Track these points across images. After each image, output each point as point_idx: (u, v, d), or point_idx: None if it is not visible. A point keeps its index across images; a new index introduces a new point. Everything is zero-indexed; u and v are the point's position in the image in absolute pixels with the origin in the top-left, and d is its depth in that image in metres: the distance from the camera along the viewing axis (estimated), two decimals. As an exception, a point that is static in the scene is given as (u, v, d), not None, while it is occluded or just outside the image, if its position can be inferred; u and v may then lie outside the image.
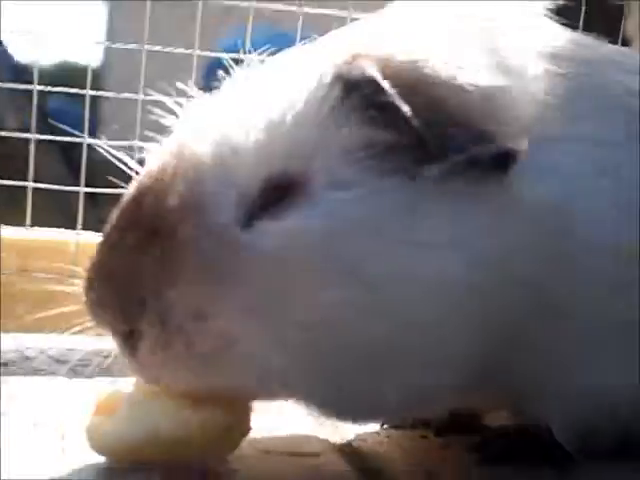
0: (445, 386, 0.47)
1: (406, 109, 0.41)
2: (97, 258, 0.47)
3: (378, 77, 0.42)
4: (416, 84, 0.43)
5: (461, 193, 0.44)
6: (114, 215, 0.48)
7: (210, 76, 0.54)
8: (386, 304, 0.43)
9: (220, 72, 0.51)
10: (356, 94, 0.44)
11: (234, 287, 0.43)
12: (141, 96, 0.77)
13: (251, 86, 0.49)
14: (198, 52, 0.83)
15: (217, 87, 0.52)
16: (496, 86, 0.45)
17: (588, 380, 0.51)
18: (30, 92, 0.77)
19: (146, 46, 0.78)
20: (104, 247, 0.47)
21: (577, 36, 0.57)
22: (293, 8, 0.80)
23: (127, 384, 0.51)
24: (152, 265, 0.43)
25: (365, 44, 0.46)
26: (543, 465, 0.52)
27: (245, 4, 0.84)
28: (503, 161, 0.43)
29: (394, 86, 0.42)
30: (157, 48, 0.79)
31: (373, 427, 0.60)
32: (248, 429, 0.50)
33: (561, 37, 0.55)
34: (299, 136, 0.44)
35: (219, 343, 0.43)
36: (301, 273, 0.43)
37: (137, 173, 0.49)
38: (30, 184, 0.80)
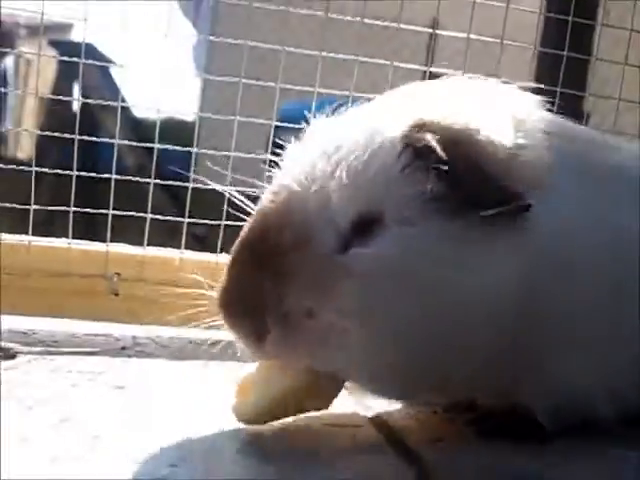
0: (466, 375, 0.61)
1: (458, 175, 0.55)
2: (229, 277, 0.60)
3: (439, 150, 0.56)
4: (465, 154, 0.57)
5: (491, 232, 0.58)
6: (239, 244, 0.62)
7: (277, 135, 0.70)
8: (444, 312, 0.57)
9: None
10: (420, 159, 0.57)
11: (333, 295, 0.57)
12: (232, 153, 0.93)
13: (333, 140, 0.62)
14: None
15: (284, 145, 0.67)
16: (522, 160, 0.60)
17: (561, 374, 0.65)
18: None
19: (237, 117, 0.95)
20: (235, 267, 0.61)
21: (561, 120, 0.73)
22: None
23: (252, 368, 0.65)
24: (272, 282, 0.57)
25: (423, 114, 0.60)
26: (526, 439, 0.64)
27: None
28: (523, 209, 0.58)
29: (449, 154, 0.55)
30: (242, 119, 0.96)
31: (396, 405, 0.74)
32: (337, 392, 0.64)
33: (551, 118, 0.70)
34: (377, 185, 0.57)
35: (322, 335, 0.57)
36: (381, 287, 0.57)
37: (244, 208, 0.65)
38: (149, 215, 0.96)
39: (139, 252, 0.95)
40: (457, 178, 0.56)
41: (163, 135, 0.99)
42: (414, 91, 0.68)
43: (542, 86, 0.97)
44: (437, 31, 1.07)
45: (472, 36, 0.99)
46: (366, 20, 0.96)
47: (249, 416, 0.62)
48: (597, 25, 1.21)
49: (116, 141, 0.98)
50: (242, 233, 0.62)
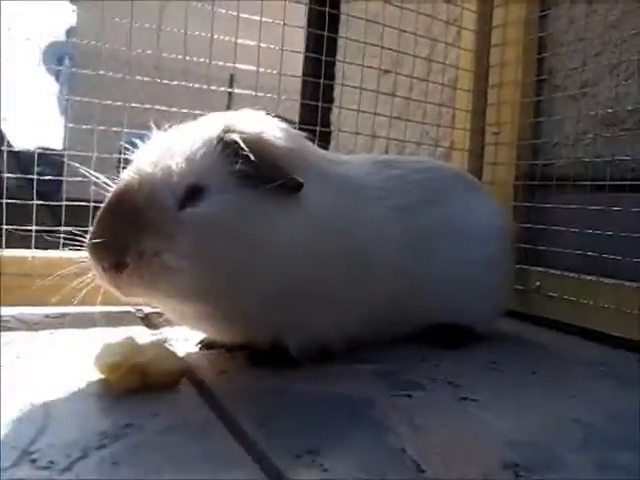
0: (255, 309, 0.82)
1: (252, 157, 0.78)
2: (98, 223, 0.76)
3: (240, 140, 0.79)
4: (258, 144, 0.80)
5: (279, 200, 0.80)
6: (106, 205, 0.77)
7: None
8: (247, 256, 0.78)
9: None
10: (229, 147, 0.79)
11: (173, 241, 0.74)
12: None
13: (173, 138, 0.84)
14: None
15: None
16: (291, 148, 0.85)
17: (312, 322, 0.88)
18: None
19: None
20: (102, 220, 0.76)
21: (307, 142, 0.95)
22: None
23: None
24: (132, 229, 0.73)
25: (228, 124, 0.82)
26: (283, 365, 0.86)
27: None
28: (297, 187, 0.81)
29: (247, 144, 0.78)
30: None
31: (194, 348, 0.96)
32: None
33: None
34: (202, 165, 0.78)
35: (164, 270, 0.74)
36: (205, 236, 0.76)
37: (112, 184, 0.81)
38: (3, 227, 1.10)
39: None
40: (252, 162, 0.78)
41: (40, 161, 1.20)
42: (221, 115, 0.89)
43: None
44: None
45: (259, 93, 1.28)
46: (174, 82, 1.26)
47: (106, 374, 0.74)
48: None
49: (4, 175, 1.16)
50: (106, 199, 0.79)
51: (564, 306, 1.29)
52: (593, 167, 1.35)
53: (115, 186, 0.81)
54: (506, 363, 1.02)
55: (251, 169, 0.78)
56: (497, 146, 1.53)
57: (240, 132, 0.81)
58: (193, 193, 0.77)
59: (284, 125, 0.90)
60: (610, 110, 1.33)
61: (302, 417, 0.71)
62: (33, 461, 0.55)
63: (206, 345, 0.97)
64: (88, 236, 0.77)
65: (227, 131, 0.81)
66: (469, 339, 1.11)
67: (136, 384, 0.73)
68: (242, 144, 0.79)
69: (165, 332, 1.03)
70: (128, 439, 0.61)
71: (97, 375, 0.76)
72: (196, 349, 0.97)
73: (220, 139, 0.80)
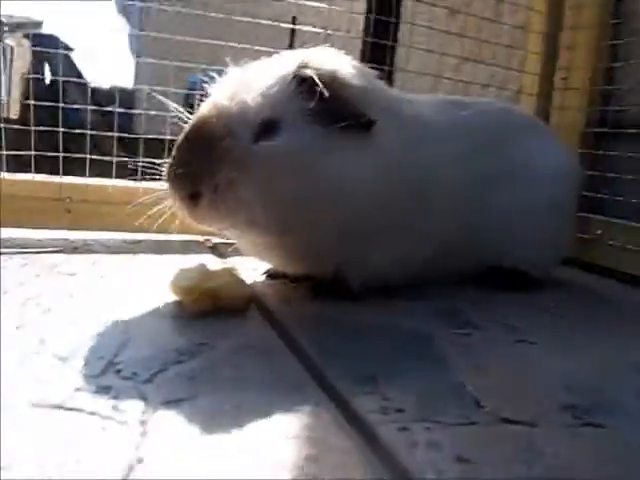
0: (328, 239, 0.84)
1: (327, 94, 0.77)
2: (176, 154, 0.78)
3: (315, 77, 0.78)
4: (332, 82, 0.80)
5: (352, 137, 0.80)
6: (183, 136, 0.79)
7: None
8: (321, 188, 0.79)
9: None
10: (304, 84, 0.79)
11: (248, 172, 0.76)
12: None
13: (249, 73, 0.84)
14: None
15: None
16: (364, 87, 0.85)
17: (372, 257, 0.89)
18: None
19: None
20: (179, 151, 0.78)
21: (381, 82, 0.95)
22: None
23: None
24: (208, 159, 0.75)
25: (304, 60, 0.82)
26: (345, 297, 0.89)
27: None
28: (369, 125, 0.82)
29: (322, 81, 0.78)
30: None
31: (261, 278, 1.00)
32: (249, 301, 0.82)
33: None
34: (277, 100, 0.78)
35: (240, 199, 0.76)
36: (279, 168, 0.77)
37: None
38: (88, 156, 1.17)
39: (83, 182, 1.18)
40: (326, 99, 0.77)
41: (112, 99, 1.27)
42: (296, 53, 0.88)
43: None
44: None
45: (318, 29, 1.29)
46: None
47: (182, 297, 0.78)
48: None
49: (86, 106, 1.23)
50: (184, 130, 0.80)
51: (625, 255, 1.27)
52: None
53: (192, 118, 0.81)
54: (564, 309, 1.01)
55: (325, 106, 0.78)
56: (565, 91, 1.48)
57: (316, 69, 0.80)
58: (268, 127, 0.78)
59: (357, 63, 0.89)
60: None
61: (363, 346, 0.73)
62: (118, 371, 0.59)
63: (271, 275, 1.00)
64: (166, 166, 0.79)
65: (302, 67, 0.81)
66: (528, 284, 1.11)
67: (208, 307, 0.77)
68: (317, 80, 0.78)
69: (233, 261, 1.06)
70: (202, 356, 0.64)
71: (172, 297, 0.80)
72: (262, 278, 1.00)
73: (295, 75, 0.80)
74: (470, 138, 1.03)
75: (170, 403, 0.53)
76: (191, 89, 1.04)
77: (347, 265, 0.90)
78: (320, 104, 0.78)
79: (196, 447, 0.47)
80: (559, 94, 1.50)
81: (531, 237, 1.08)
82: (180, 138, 0.80)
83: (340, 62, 0.86)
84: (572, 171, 1.15)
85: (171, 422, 0.50)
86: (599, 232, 1.34)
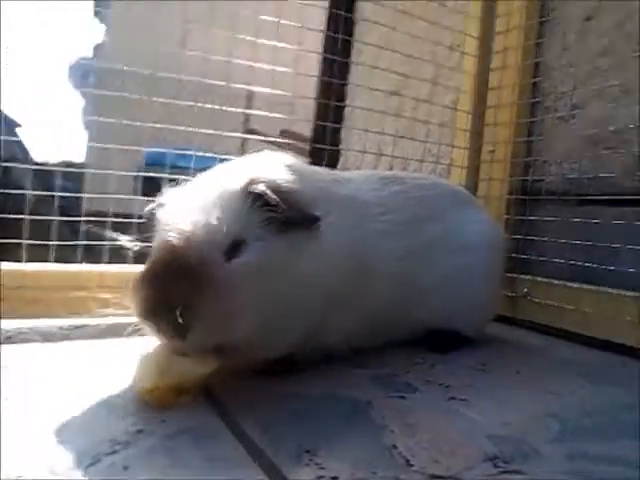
0: (299, 335, 0.87)
1: (281, 205, 0.79)
2: (152, 288, 0.73)
3: (269, 193, 0.80)
4: (280, 192, 0.81)
5: (305, 235, 0.84)
6: (152, 267, 0.75)
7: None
8: (298, 287, 0.83)
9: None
10: (259, 199, 0.80)
11: (232, 291, 0.75)
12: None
13: (199, 192, 0.83)
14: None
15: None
16: (304, 187, 0.88)
17: (326, 333, 0.93)
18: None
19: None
20: (156, 281, 0.73)
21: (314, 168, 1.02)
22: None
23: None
24: (189, 289, 0.72)
25: (254, 176, 0.83)
26: (289, 371, 0.90)
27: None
28: (316, 220, 0.84)
29: (274, 194, 0.80)
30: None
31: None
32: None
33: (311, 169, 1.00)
34: (239, 219, 0.79)
35: (229, 319, 0.75)
36: (252, 280, 0.77)
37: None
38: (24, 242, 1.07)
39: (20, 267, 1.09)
40: (280, 209, 0.80)
41: (58, 174, 1.17)
42: (241, 164, 0.92)
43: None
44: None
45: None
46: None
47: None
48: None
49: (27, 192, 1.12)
50: (152, 259, 0.78)
51: (550, 311, 1.34)
52: (578, 183, 1.39)
53: (158, 249, 0.79)
54: (494, 365, 1.06)
55: (279, 215, 0.81)
56: (492, 163, 1.58)
57: (265, 182, 0.82)
58: (236, 246, 0.79)
59: (295, 160, 0.95)
60: (596, 130, 1.38)
61: (303, 419, 0.75)
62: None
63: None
64: (138, 302, 0.75)
65: (253, 183, 0.82)
66: (461, 343, 1.16)
67: (172, 402, 0.75)
68: (271, 195, 0.81)
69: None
70: (139, 444, 0.64)
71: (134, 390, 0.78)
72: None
73: (250, 192, 0.82)
74: (403, 212, 1.09)
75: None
76: (148, 162, 1.06)
77: (293, 345, 0.91)
78: (274, 215, 0.82)
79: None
80: (486, 166, 1.60)
81: (465, 299, 1.13)
82: (149, 267, 0.77)
83: (282, 168, 0.91)
84: (498, 238, 1.23)
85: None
86: (525, 290, 1.41)
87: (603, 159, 1.35)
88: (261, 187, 0.81)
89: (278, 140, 1.53)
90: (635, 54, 1.30)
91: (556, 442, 0.72)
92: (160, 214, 0.84)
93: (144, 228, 0.91)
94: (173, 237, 0.76)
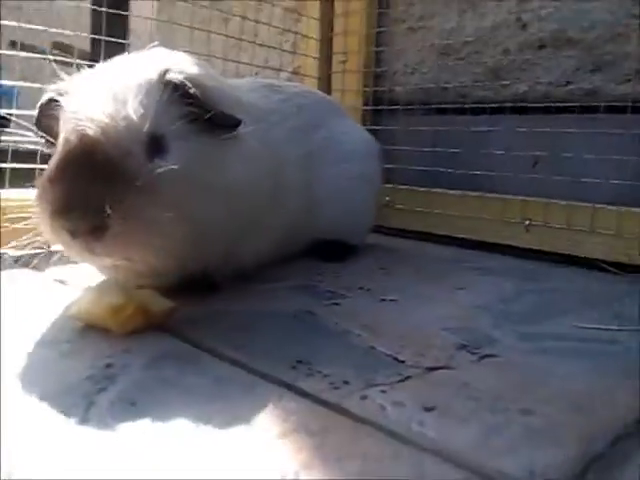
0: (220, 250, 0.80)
1: (204, 102, 0.71)
2: (62, 182, 0.64)
3: (188, 84, 0.71)
4: (198, 86, 0.72)
5: (227, 137, 0.76)
6: (62, 162, 0.65)
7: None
8: (224, 194, 0.75)
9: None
10: (177, 90, 0.71)
11: (155, 194, 0.66)
12: None
13: (107, 80, 0.71)
14: None
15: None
16: (219, 87, 0.80)
17: (234, 250, 0.85)
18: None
19: None
20: (67, 175, 0.64)
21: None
22: None
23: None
24: (108, 185, 0.63)
25: (166, 65, 0.73)
26: (210, 289, 0.84)
27: None
28: (238, 124, 0.76)
29: (195, 88, 0.71)
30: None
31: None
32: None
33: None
34: (158, 111, 0.70)
35: (151, 224, 0.66)
36: (186, 186, 0.70)
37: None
38: None
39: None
40: (201, 104, 0.72)
41: None
42: (147, 54, 0.80)
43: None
44: None
45: None
46: None
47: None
48: None
49: None
50: (61, 153, 0.67)
51: (412, 216, 1.41)
52: (430, 93, 1.46)
53: (66, 139, 0.68)
54: (392, 267, 1.10)
55: (199, 112, 0.72)
56: (344, 74, 1.57)
57: (184, 74, 0.73)
58: (156, 142, 0.69)
59: (196, 60, 0.83)
60: (446, 41, 1.44)
61: (266, 334, 0.70)
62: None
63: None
64: (43, 197, 0.65)
65: (167, 73, 0.72)
66: (349, 252, 1.17)
67: (140, 324, 0.66)
68: (190, 86, 0.72)
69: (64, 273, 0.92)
70: (121, 379, 0.55)
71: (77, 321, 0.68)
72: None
73: (167, 83, 0.72)
74: (294, 119, 1.05)
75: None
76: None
77: (215, 261, 0.84)
78: (195, 110, 0.72)
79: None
80: (338, 77, 1.59)
81: (350, 208, 1.13)
82: (59, 163, 0.66)
83: (192, 63, 0.80)
84: (374, 146, 1.24)
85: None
86: (387, 198, 1.46)
87: (454, 69, 1.43)
88: (179, 77, 0.72)
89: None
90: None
91: (499, 328, 0.77)
92: (65, 103, 0.72)
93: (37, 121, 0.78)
94: (88, 127, 0.66)
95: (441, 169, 1.38)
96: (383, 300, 0.87)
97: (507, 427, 0.48)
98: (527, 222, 1.24)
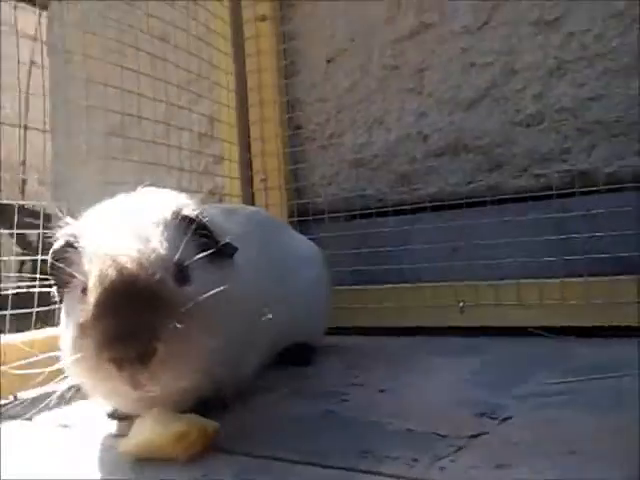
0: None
1: (212, 234, 0.80)
2: (106, 313, 0.67)
3: (202, 219, 0.79)
4: (207, 220, 0.80)
5: (228, 264, 0.83)
6: (104, 289, 0.68)
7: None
8: (240, 315, 0.82)
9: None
10: (192, 225, 0.79)
11: (193, 319, 0.70)
12: None
13: (126, 217, 0.77)
14: None
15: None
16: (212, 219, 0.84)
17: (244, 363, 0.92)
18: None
19: None
20: (111, 305, 0.67)
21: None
22: None
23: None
24: (151, 312, 0.67)
25: (179, 204, 0.81)
26: (224, 407, 0.87)
27: None
28: (234, 252, 0.85)
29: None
30: None
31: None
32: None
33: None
34: (178, 243, 0.75)
35: (194, 347, 0.70)
36: (215, 310, 0.74)
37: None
38: None
39: None
40: (210, 237, 0.80)
41: None
42: (154, 192, 0.88)
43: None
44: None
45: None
46: None
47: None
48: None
49: None
50: (100, 289, 0.69)
51: (355, 313, 1.52)
52: (349, 200, 1.63)
53: (102, 276, 0.70)
54: (359, 363, 1.19)
55: (210, 242, 0.80)
56: (266, 191, 1.71)
57: (195, 210, 0.81)
58: (180, 271, 0.75)
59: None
60: (357, 156, 1.63)
61: (311, 435, 0.75)
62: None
63: (118, 417, 0.89)
64: (87, 333, 0.68)
65: (183, 209, 0.80)
66: (311, 354, 1.25)
67: (199, 448, 0.68)
68: (204, 221, 0.80)
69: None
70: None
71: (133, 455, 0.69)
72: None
73: (185, 217, 0.80)
74: (258, 236, 1.14)
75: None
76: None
77: (225, 379, 0.86)
78: (206, 241, 0.80)
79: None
80: (260, 194, 1.71)
81: (312, 313, 1.22)
82: (100, 298, 0.69)
83: (185, 199, 0.87)
84: (320, 254, 1.35)
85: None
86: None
87: (371, 178, 1.61)
88: (195, 212, 0.81)
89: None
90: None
91: (493, 395, 0.87)
92: (85, 244, 0.76)
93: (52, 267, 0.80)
94: (125, 261, 0.70)
95: (372, 267, 1.52)
96: (382, 391, 0.95)
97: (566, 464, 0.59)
98: (461, 304, 1.40)
